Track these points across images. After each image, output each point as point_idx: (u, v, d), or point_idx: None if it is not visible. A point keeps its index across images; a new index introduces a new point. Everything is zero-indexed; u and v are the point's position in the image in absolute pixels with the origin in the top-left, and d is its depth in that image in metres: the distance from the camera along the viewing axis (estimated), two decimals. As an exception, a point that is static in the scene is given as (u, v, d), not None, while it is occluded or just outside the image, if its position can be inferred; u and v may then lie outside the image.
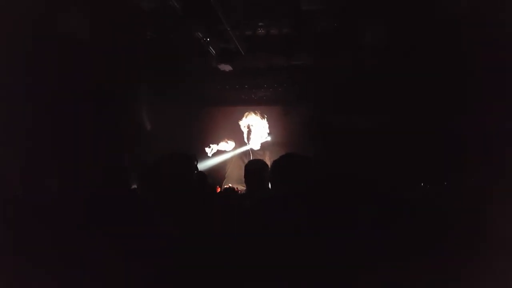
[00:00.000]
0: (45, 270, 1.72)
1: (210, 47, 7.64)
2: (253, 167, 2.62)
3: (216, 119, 10.87)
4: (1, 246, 1.83)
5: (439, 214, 2.03)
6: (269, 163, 8.53)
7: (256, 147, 10.68)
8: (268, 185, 2.77)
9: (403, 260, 1.64)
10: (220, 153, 10.66)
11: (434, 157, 6.36)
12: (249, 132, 10.71)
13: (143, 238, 1.71)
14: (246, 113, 10.76)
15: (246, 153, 10.70)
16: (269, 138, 10.62)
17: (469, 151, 5.80)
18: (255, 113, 10.70)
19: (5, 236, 1.87)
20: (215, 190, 5.54)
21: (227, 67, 8.32)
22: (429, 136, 6.79)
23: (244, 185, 3.03)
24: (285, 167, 1.84)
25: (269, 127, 10.65)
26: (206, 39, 7.29)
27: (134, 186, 2.43)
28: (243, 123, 10.76)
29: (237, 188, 7.58)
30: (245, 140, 10.73)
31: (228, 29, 6.86)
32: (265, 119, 10.65)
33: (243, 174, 2.72)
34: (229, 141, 10.73)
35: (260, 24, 7.33)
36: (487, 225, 1.89)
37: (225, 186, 9.12)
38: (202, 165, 9.39)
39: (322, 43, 7.48)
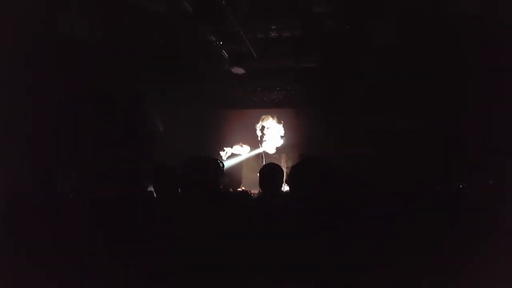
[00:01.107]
0: (54, 269, 1.74)
1: (223, 50, 7.70)
2: (267, 171, 2.61)
3: (229, 121, 10.90)
4: (6, 246, 1.86)
5: (450, 215, 2.02)
6: (285, 165, 8.54)
7: (272, 150, 10.66)
8: (282, 189, 2.77)
9: (423, 261, 1.64)
10: (234, 156, 10.66)
11: (445, 159, 6.28)
12: (262, 135, 10.70)
13: (159, 240, 1.73)
14: (263, 116, 10.74)
15: (259, 156, 10.68)
16: (282, 142, 10.60)
17: (476, 153, 5.73)
18: (272, 117, 10.68)
19: (7, 236, 1.91)
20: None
21: (239, 70, 8.36)
22: (442, 137, 6.71)
23: (258, 188, 3.03)
24: (303, 173, 1.83)
25: (285, 129, 10.63)
26: (219, 43, 7.34)
27: (150, 188, 2.45)
28: (258, 126, 10.76)
29: (250, 191, 7.58)
30: (258, 143, 10.73)
31: (241, 32, 6.89)
32: (282, 124, 10.61)
33: (258, 178, 2.71)
34: (244, 145, 10.72)
35: (272, 27, 7.35)
36: (489, 225, 1.87)
37: (239, 189, 9.13)
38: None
39: (334, 45, 7.46)
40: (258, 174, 2.71)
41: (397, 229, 1.81)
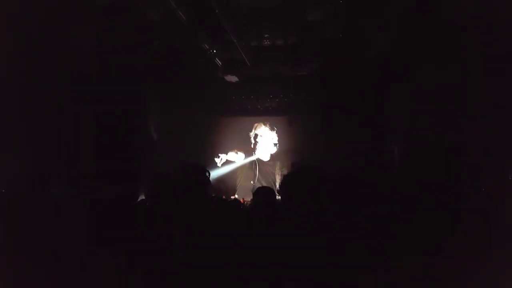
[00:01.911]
0: (49, 271, 1.74)
1: (216, 59, 7.73)
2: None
3: (223, 129, 10.91)
4: (5, 246, 1.86)
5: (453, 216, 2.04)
6: (279, 172, 8.54)
7: (266, 158, 10.69)
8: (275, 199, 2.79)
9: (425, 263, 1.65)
10: (229, 163, 10.65)
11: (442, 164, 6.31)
12: (255, 143, 10.74)
13: (149, 246, 1.73)
14: (256, 124, 10.79)
15: (253, 163, 10.69)
16: (276, 149, 10.63)
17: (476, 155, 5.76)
18: (265, 125, 10.74)
19: (7, 236, 1.90)
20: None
21: (233, 78, 8.40)
22: (436, 143, 6.74)
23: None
24: (295, 182, 1.84)
25: (278, 135, 10.68)
26: (213, 51, 7.38)
27: (142, 196, 2.44)
28: (252, 134, 10.80)
29: (243, 199, 7.59)
30: (252, 150, 10.75)
31: (234, 40, 6.93)
32: (275, 131, 10.67)
33: (252, 186, 2.72)
34: (238, 152, 10.72)
35: (265, 35, 7.42)
36: (489, 226, 1.89)
37: (231, 197, 9.11)
38: (212, 176, 9.33)
39: (327, 52, 7.53)
40: (252, 184, 2.72)
41: (393, 237, 1.81)
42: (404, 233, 1.80)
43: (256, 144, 10.71)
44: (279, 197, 2.56)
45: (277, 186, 8.21)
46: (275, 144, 10.63)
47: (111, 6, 5.61)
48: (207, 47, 7.23)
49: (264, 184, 8.08)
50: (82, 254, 1.75)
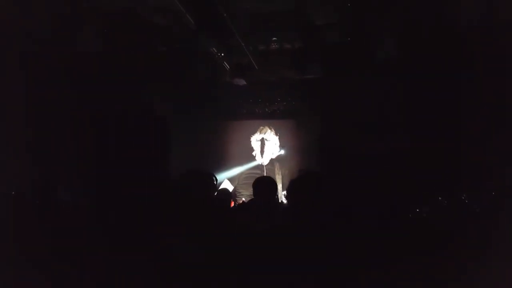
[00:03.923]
0: (50, 271, 1.75)
1: (224, 62, 7.76)
2: (261, 185, 2.61)
3: (230, 133, 10.88)
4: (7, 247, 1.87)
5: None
6: (279, 175, 8.44)
7: (266, 161, 10.67)
8: (277, 201, 2.77)
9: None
10: (231, 167, 10.59)
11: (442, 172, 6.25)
12: (262, 146, 10.71)
13: (157, 254, 1.73)
14: (261, 128, 10.77)
15: (259, 167, 10.64)
16: (282, 152, 10.59)
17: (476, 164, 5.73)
18: (270, 129, 10.72)
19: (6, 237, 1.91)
20: (229, 205, 5.54)
21: (241, 81, 8.40)
22: (440, 150, 6.69)
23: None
24: (303, 188, 1.83)
25: (282, 140, 10.65)
26: (220, 54, 7.40)
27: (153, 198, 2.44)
28: (257, 138, 10.77)
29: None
30: (259, 154, 10.71)
31: (242, 44, 6.95)
32: (278, 136, 10.68)
33: (253, 191, 2.71)
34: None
35: (273, 38, 7.43)
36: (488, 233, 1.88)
37: (243, 199, 9.04)
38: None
39: (335, 56, 7.52)
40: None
41: (399, 245, 1.80)
42: (405, 234, 1.79)
43: (264, 147, 10.68)
44: (286, 202, 2.55)
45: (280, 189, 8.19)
46: (281, 148, 10.59)
47: (118, 10, 5.67)
48: (215, 51, 7.25)
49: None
50: (82, 254, 1.75)
